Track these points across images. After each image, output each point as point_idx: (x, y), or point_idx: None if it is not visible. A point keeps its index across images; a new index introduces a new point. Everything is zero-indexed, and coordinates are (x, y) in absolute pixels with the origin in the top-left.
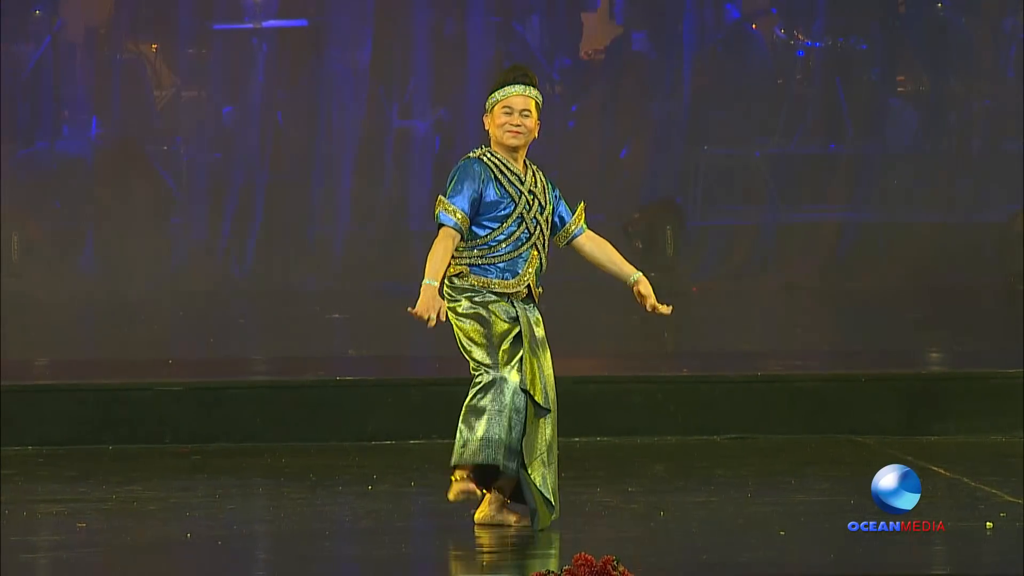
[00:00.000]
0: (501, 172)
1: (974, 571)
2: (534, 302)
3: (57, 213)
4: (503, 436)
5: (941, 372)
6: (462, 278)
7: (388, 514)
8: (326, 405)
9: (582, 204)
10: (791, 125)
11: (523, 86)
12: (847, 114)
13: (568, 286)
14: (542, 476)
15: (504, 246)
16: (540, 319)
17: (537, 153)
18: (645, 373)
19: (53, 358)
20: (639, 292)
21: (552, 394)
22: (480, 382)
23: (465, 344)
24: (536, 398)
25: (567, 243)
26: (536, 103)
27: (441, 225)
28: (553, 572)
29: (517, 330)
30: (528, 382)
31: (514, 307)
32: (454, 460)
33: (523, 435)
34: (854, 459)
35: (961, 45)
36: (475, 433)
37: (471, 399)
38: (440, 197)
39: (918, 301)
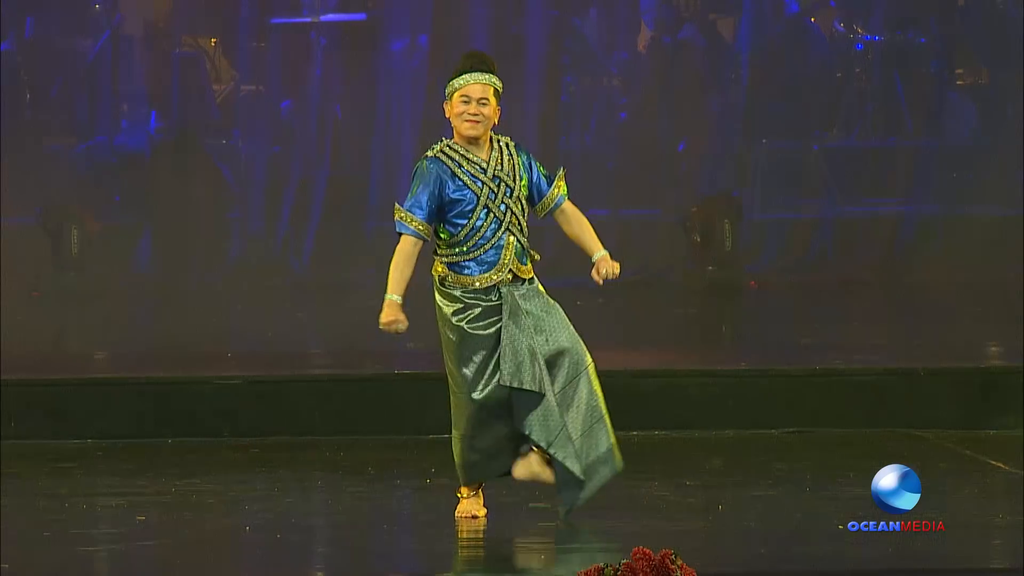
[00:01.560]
0: (459, 166)
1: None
2: (523, 280)
3: (116, 207)
4: (485, 447)
5: (1001, 366)
6: (446, 281)
7: (446, 508)
8: (384, 399)
9: (562, 171)
10: (850, 118)
11: (480, 73)
12: (906, 107)
13: (624, 280)
14: (566, 453)
15: (476, 240)
16: (536, 290)
17: (593, 146)
18: (702, 367)
19: (113, 351)
20: (595, 265)
21: (573, 356)
22: (452, 401)
23: (444, 353)
24: (522, 383)
25: (547, 214)
26: (495, 89)
27: (400, 234)
28: (612, 566)
29: (496, 335)
30: (510, 373)
31: (498, 296)
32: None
33: (527, 419)
34: (912, 453)
35: (1019, 37)
36: (457, 460)
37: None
38: (396, 205)
39: (977, 295)
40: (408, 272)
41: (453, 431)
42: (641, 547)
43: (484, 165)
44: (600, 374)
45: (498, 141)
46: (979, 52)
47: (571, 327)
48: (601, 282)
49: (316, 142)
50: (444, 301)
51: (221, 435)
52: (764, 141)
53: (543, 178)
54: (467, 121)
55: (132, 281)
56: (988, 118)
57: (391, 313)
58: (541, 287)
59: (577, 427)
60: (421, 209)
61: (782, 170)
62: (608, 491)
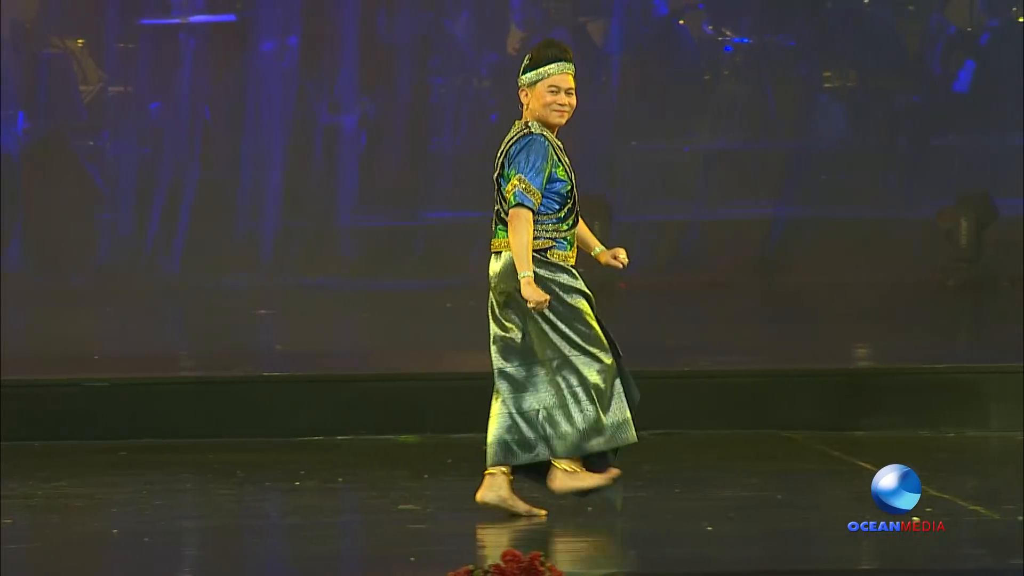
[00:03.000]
0: (557, 148)
1: (902, 566)
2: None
3: None
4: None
5: (869, 367)
6: (550, 253)
7: (315, 510)
8: (254, 401)
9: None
10: (719, 121)
11: (567, 63)
12: (775, 110)
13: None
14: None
15: (572, 221)
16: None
17: (464, 147)
18: None
19: None
20: (611, 253)
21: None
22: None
23: (566, 327)
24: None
25: None
26: (574, 78)
27: (522, 206)
28: (481, 568)
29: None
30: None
31: (575, 275)
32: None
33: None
34: (782, 454)
35: (887, 41)
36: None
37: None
38: (519, 176)
39: (846, 297)
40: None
41: (609, 393)
42: (511, 549)
43: (559, 152)
44: (470, 376)
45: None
46: (847, 54)
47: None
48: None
49: (186, 144)
50: (545, 272)
51: (89, 438)
52: (634, 143)
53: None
54: (556, 111)
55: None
56: (857, 121)
57: (540, 291)
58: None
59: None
60: (541, 182)
61: (652, 172)
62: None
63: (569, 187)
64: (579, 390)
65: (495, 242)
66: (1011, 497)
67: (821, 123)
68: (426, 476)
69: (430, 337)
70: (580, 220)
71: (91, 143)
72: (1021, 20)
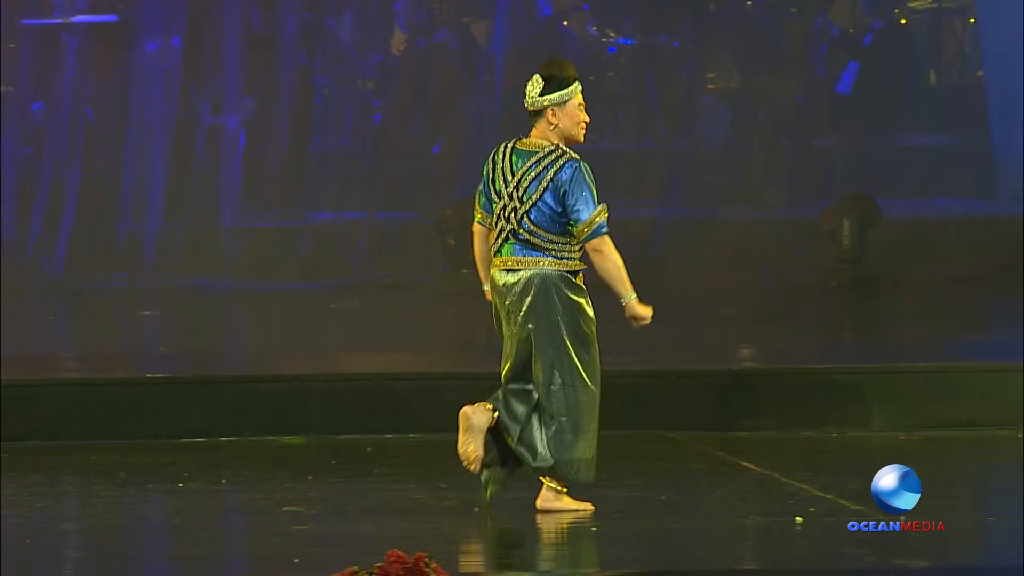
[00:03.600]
0: None
1: (784, 566)
2: None
3: None
4: None
5: (753, 368)
6: (578, 277)
7: (199, 512)
8: (137, 403)
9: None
10: (603, 122)
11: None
12: (659, 111)
13: (380, 282)
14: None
15: None
16: None
17: (348, 148)
18: (458, 369)
19: None
20: None
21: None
22: (586, 398)
23: (575, 349)
24: None
25: None
26: None
27: (605, 233)
28: (366, 569)
29: None
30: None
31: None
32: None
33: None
34: (666, 455)
35: (771, 42)
36: (591, 456)
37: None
38: (603, 206)
39: (730, 297)
40: None
41: (588, 428)
42: (395, 550)
43: None
44: (354, 377)
45: None
46: (731, 56)
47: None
48: None
49: (68, 144)
50: (575, 295)
51: None
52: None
53: None
54: (583, 128)
55: None
56: (740, 122)
57: (646, 307)
58: None
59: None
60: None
61: None
62: (362, 494)
63: None
64: (563, 419)
65: (510, 260)
66: None
67: (704, 124)
68: (310, 478)
69: (314, 338)
70: None
71: None
72: (904, 22)
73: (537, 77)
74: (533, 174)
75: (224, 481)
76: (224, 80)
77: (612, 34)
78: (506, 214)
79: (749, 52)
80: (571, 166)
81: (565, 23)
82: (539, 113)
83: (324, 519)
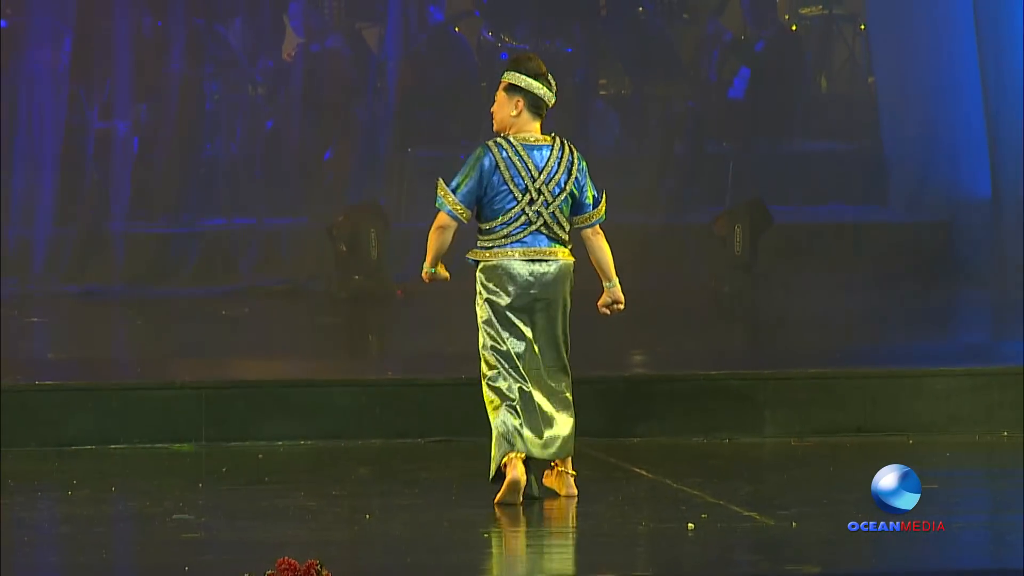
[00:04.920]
0: None
1: (676, 572)
2: None
3: None
4: None
5: (644, 374)
6: None
7: (88, 519)
8: (25, 410)
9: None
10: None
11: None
12: (551, 116)
13: (271, 288)
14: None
15: None
16: None
17: (239, 154)
18: (350, 376)
19: None
20: None
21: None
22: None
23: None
24: None
25: None
26: (507, 84)
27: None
28: None
29: None
30: None
31: None
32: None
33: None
34: None
35: (663, 48)
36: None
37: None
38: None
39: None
40: None
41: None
42: (287, 557)
43: None
44: (244, 384)
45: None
46: (623, 62)
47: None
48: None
49: None
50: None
51: None
52: (410, 149)
53: None
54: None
55: None
56: (632, 127)
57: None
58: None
59: None
60: None
61: (429, 178)
62: (253, 501)
63: None
64: (567, 397)
65: (542, 251)
66: (785, 503)
67: (596, 129)
68: (200, 485)
69: (204, 344)
70: None
71: None
72: (795, 28)
73: (550, 75)
74: (561, 167)
75: (113, 489)
76: (114, 85)
77: (506, 39)
78: (535, 208)
79: (640, 57)
80: (580, 157)
81: (457, 29)
82: (543, 108)
83: (214, 526)
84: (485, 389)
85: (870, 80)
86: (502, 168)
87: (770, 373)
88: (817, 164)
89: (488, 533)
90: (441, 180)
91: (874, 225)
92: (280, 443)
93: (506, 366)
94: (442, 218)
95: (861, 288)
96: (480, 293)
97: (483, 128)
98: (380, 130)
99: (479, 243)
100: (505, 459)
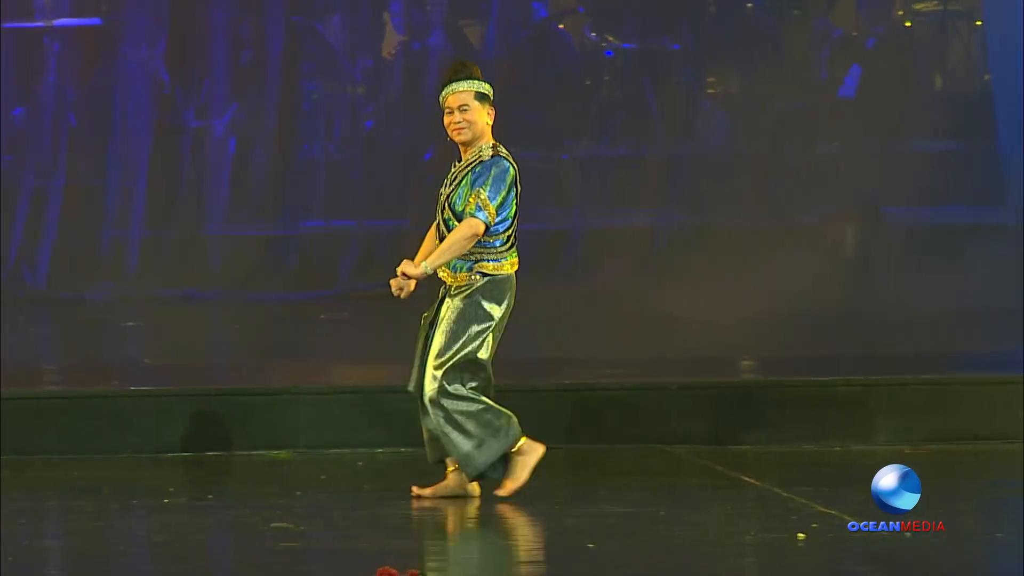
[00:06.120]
0: (458, 166)
1: None
2: (459, 286)
3: None
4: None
5: (753, 380)
6: None
7: (184, 528)
8: (120, 416)
9: (480, 192)
10: (600, 127)
11: (455, 83)
12: (657, 116)
13: (374, 293)
14: None
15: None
16: (461, 300)
17: (338, 154)
18: None
19: None
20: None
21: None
22: None
23: None
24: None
25: None
26: (475, 93)
27: None
28: None
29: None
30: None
31: (443, 295)
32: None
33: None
34: (664, 469)
35: (772, 45)
36: None
37: None
38: None
39: (729, 307)
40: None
41: None
42: (387, 567)
43: (453, 170)
44: (343, 390)
45: (482, 149)
46: (731, 60)
47: (441, 350)
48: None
49: (50, 151)
50: None
51: None
52: (512, 150)
53: (462, 198)
54: (453, 130)
55: None
56: (741, 127)
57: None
58: (477, 298)
59: None
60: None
61: (531, 180)
62: (351, 509)
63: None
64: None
65: None
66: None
67: (704, 129)
68: (299, 493)
69: (301, 349)
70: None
71: None
72: (908, 24)
73: None
74: None
75: (210, 497)
76: (210, 85)
77: (610, 37)
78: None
79: (749, 55)
80: None
81: (561, 26)
82: None
83: (313, 535)
84: (465, 399)
85: (986, 78)
86: (518, 182)
87: (882, 379)
88: (931, 164)
89: (592, 542)
90: (486, 194)
91: (989, 227)
92: (379, 450)
93: (481, 375)
94: (480, 230)
95: (976, 291)
96: (480, 304)
97: (586, 128)
98: None
99: (488, 256)
100: (516, 446)
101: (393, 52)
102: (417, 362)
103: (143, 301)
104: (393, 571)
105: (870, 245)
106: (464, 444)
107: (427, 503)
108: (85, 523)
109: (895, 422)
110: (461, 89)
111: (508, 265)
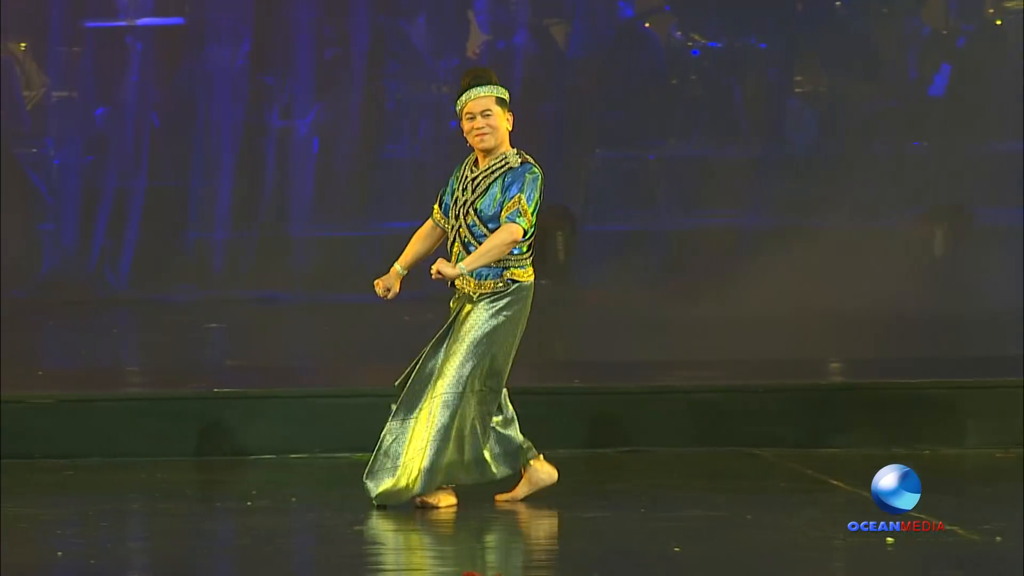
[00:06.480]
0: (459, 172)
1: None
2: (481, 294)
3: None
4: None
5: (842, 383)
6: None
7: (268, 531)
8: (203, 418)
9: (519, 198)
10: (686, 127)
11: (476, 88)
12: (743, 115)
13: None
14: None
15: (448, 245)
16: (484, 308)
17: (422, 154)
18: (535, 384)
19: None
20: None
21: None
22: None
23: None
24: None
25: None
26: (496, 98)
27: None
28: None
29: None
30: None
31: (458, 302)
32: None
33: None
34: (752, 473)
35: (860, 43)
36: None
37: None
38: None
39: (817, 309)
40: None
41: None
42: (471, 571)
43: (472, 176)
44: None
45: (508, 156)
46: (819, 59)
47: (467, 357)
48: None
49: (132, 151)
50: None
51: (32, 457)
52: (598, 151)
53: (505, 202)
54: (475, 136)
55: None
56: (829, 126)
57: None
58: (505, 306)
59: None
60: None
61: (617, 180)
62: (433, 513)
63: (451, 210)
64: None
65: None
66: (988, 517)
67: (791, 128)
68: None
69: (385, 351)
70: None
71: (34, 150)
72: (999, 23)
73: None
74: None
75: (294, 499)
76: (294, 85)
77: (696, 36)
78: None
79: (837, 54)
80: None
81: (647, 25)
82: None
83: (394, 539)
84: (483, 411)
85: None
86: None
87: (973, 381)
88: (1021, 164)
89: (678, 546)
90: (526, 200)
91: None
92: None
93: (499, 387)
94: (519, 236)
95: None
96: (505, 313)
97: (672, 128)
98: (566, 130)
99: (516, 263)
100: (533, 460)
101: (478, 51)
102: (419, 363)
103: (226, 303)
104: (477, 574)
105: (959, 246)
106: (446, 457)
107: (506, 506)
108: (168, 525)
109: (985, 425)
110: (483, 95)
111: (531, 272)
